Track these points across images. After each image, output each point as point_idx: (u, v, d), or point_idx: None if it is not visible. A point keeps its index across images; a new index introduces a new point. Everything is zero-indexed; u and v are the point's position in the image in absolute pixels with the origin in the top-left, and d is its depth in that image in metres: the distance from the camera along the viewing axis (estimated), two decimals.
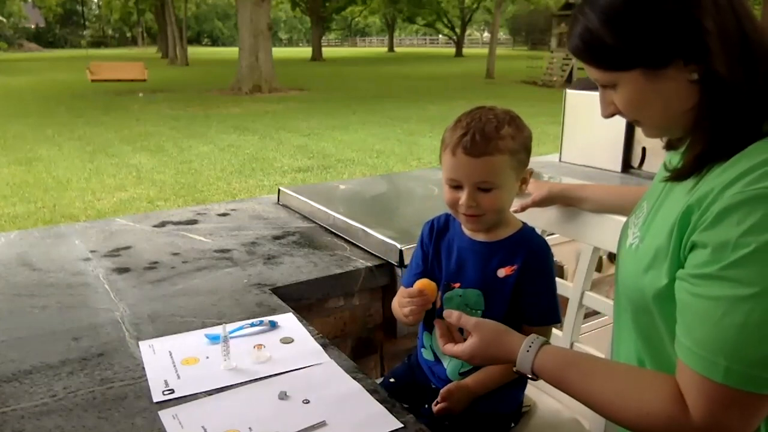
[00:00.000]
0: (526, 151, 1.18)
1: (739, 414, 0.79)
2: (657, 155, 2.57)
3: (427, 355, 1.31)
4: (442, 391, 1.18)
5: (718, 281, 0.78)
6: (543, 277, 1.21)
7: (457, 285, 1.23)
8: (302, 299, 1.62)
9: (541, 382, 1.47)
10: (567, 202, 1.40)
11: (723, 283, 0.78)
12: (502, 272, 1.19)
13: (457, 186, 1.15)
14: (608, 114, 0.98)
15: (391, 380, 1.35)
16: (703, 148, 0.87)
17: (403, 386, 1.30)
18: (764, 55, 0.85)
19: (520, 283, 1.18)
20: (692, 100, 0.87)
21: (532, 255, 1.20)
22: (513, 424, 1.30)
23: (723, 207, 0.80)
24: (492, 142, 1.11)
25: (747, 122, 0.84)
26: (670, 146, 1.04)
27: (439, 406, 1.17)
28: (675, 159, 0.98)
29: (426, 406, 1.27)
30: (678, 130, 0.94)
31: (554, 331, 1.43)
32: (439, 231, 1.30)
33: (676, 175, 0.92)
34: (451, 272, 1.24)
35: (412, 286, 1.23)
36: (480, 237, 1.23)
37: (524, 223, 1.26)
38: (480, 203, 1.14)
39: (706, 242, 0.81)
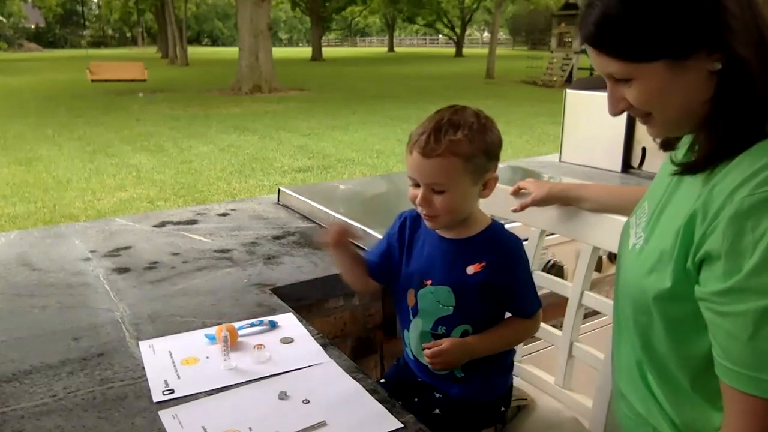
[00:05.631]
0: (487, 155, 1.16)
1: None
2: (657, 155, 2.56)
3: (407, 351, 1.33)
4: (434, 342, 1.19)
5: (743, 294, 0.76)
6: (517, 272, 1.23)
7: (429, 282, 1.24)
8: (302, 299, 1.62)
9: (540, 380, 1.48)
10: (567, 201, 1.40)
11: (748, 296, 0.75)
12: (471, 269, 1.20)
13: (416, 184, 1.17)
14: (618, 111, 0.93)
15: (382, 381, 1.36)
16: (718, 140, 0.85)
17: (393, 386, 1.31)
18: None
19: (492, 279, 1.19)
20: (709, 92, 0.85)
21: (501, 251, 1.21)
22: (503, 408, 1.31)
23: (734, 212, 0.77)
24: (444, 144, 1.10)
25: (757, 117, 0.83)
26: (667, 146, 1.02)
27: (429, 351, 1.18)
28: (680, 153, 0.97)
29: (416, 399, 1.29)
30: (689, 125, 0.91)
31: (554, 331, 1.43)
32: (411, 227, 1.31)
33: (688, 168, 0.89)
34: (423, 269, 1.26)
35: (372, 262, 1.33)
36: (448, 234, 1.24)
37: (493, 220, 1.27)
38: (433, 204, 1.15)
39: (719, 251, 0.78)
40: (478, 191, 1.19)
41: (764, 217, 0.75)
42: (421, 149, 1.12)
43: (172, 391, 1.10)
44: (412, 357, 1.31)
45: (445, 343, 1.18)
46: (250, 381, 1.13)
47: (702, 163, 0.87)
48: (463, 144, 1.11)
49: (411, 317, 1.28)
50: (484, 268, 1.19)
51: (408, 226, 1.32)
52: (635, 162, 2.69)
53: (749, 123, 0.83)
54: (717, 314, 0.79)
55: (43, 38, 67.05)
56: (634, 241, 1.00)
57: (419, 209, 1.19)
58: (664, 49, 0.83)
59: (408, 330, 1.30)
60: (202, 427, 1.00)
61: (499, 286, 1.20)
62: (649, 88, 0.86)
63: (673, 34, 0.82)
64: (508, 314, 1.29)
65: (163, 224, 2.12)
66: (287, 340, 1.28)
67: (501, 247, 1.22)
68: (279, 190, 2.41)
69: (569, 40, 19.84)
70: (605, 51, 0.86)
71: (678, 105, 0.87)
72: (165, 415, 1.03)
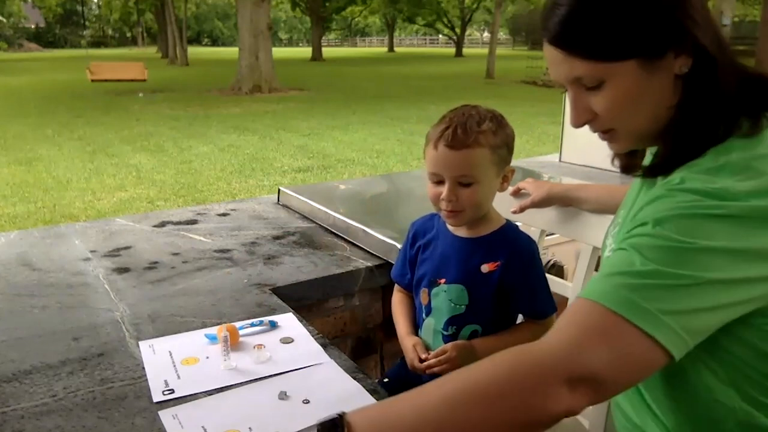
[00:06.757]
0: (508, 148, 1.19)
1: (603, 340, 0.70)
2: None
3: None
4: (438, 349, 1.20)
5: (658, 238, 0.74)
6: (531, 272, 1.23)
7: (443, 281, 1.24)
8: (302, 299, 1.62)
9: None
10: (567, 202, 1.40)
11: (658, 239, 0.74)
12: (485, 268, 1.21)
13: (439, 181, 1.18)
14: (583, 121, 0.89)
15: (385, 380, 1.36)
16: (679, 144, 0.83)
17: (396, 385, 1.31)
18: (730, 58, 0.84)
19: (506, 279, 1.20)
20: (675, 98, 0.84)
21: (516, 251, 1.22)
22: None
23: (650, 198, 0.79)
24: (472, 135, 1.13)
25: (718, 121, 0.82)
26: (629, 169, 1.00)
27: (428, 363, 1.19)
28: (648, 159, 0.97)
29: None
30: (652, 136, 0.88)
31: None
32: (422, 231, 1.34)
33: (647, 171, 0.90)
34: (436, 268, 1.27)
35: (401, 282, 1.37)
36: (462, 233, 1.25)
37: (507, 220, 1.28)
38: (460, 198, 1.16)
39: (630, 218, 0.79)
40: (498, 185, 1.21)
41: (677, 195, 0.76)
42: (448, 142, 1.13)
43: (172, 391, 1.10)
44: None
45: (450, 350, 1.18)
46: (250, 381, 1.13)
47: (660, 166, 0.86)
48: (489, 135, 1.14)
49: (424, 316, 1.28)
50: (499, 267, 1.20)
51: (419, 232, 1.35)
52: None
53: (711, 127, 0.82)
54: (627, 248, 0.76)
55: (43, 38, 67.07)
56: (608, 253, 0.99)
57: (443, 205, 1.19)
58: (636, 46, 0.81)
59: (421, 329, 1.30)
60: (202, 427, 1.00)
61: (513, 286, 1.21)
62: (622, 91, 0.83)
63: (645, 30, 0.80)
64: (521, 319, 1.30)
65: (163, 224, 2.12)
66: (287, 340, 1.28)
67: (516, 247, 1.23)
68: (279, 190, 2.41)
69: None
70: (574, 52, 0.83)
71: (647, 111, 0.85)
72: (165, 415, 1.03)
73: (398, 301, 1.40)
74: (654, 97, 0.84)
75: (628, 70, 0.82)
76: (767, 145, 0.79)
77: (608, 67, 0.82)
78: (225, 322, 1.32)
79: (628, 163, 1.01)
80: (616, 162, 1.02)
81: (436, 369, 1.19)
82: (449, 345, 1.19)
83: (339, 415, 0.71)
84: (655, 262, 0.72)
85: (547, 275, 1.52)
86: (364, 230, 1.87)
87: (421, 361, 1.22)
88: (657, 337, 0.69)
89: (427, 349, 1.29)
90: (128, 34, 69.37)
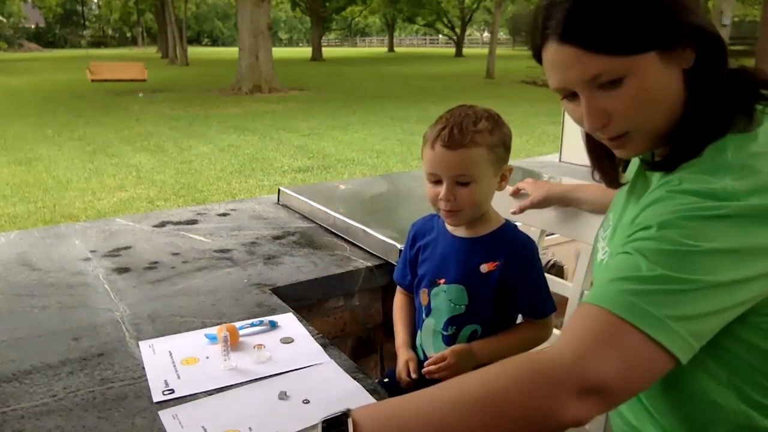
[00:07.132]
0: (505, 147, 1.20)
1: (612, 348, 0.69)
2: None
3: (418, 353, 1.33)
4: (437, 355, 1.20)
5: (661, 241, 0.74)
6: (531, 272, 1.24)
7: (442, 281, 1.24)
8: (302, 299, 1.62)
9: None
10: (566, 202, 1.40)
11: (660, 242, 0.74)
12: (484, 268, 1.21)
13: (437, 181, 1.18)
14: (601, 125, 0.83)
15: (385, 380, 1.36)
16: (687, 141, 0.82)
17: (396, 385, 1.31)
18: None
19: (506, 278, 1.20)
20: (684, 94, 0.82)
21: (516, 250, 1.22)
22: None
23: (652, 199, 0.79)
24: (469, 134, 1.13)
25: (720, 115, 0.81)
26: (610, 182, 1.00)
27: (427, 369, 1.19)
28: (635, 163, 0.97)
29: None
30: (662, 137, 0.85)
31: (555, 331, 1.43)
32: (422, 232, 1.34)
33: (651, 165, 0.89)
34: (436, 268, 1.27)
35: (403, 284, 1.38)
36: (461, 233, 1.26)
37: (507, 220, 1.28)
38: (458, 197, 1.17)
39: (634, 221, 0.80)
40: (496, 184, 1.21)
41: (676, 198, 0.76)
42: (445, 142, 1.14)
43: (172, 391, 1.10)
44: (422, 357, 1.31)
45: (449, 357, 1.18)
46: (250, 381, 1.13)
47: (664, 163, 0.85)
48: (486, 134, 1.15)
49: (424, 317, 1.29)
50: (498, 267, 1.20)
51: (420, 233, 1.35)
52: None
53: (716, 122, 0.81)
54: (629, 252, 0.76)
55: (43, 38, 67.06)
56: (602, 256, 0.99)
57: (441, 205, 1.19)
58: (654, 36, 0.77)
59: (420, 330, 1.30)
60: (202, 427, 1.00)
61: (512, 286, 1.21)
62: (643, 87, 0.79)
63: (660, 17, 0.77)
64: (520, 320, 1.30)
65: (163, 224, 2.12)
66: (287, 340, 1.28)
67: (515, 247, 1.23)
68: (279, 190, 2.41)
69: None
70: (591, 47, 0.77)
71: (664, 108, 0.82)
72: (165, 415, 1.03)
73: (399, 305, 1.40)
74: (670, 92, 0.81)
75: (648, 63, 0.78)
76: (761, 143, 0.79)
77: (629, 61, 0.77)
78: (225, 322, 1.32)
79: (612, 176, 0.99)
80: (597, 176, 1.00)
81: (435, 375, 1.18)
82: (448, 351, 1.19)
83: (344, 412, 0.71)
84: (661, 267, 0.71)
85: (547, 275, 1.52)
86: (364, 230, 1.87)
87: (410, 378, 1.23)
88: (664, 342, 0.69)
89: (425, 353, 1.29)
90: (128, 34, 69.37)
